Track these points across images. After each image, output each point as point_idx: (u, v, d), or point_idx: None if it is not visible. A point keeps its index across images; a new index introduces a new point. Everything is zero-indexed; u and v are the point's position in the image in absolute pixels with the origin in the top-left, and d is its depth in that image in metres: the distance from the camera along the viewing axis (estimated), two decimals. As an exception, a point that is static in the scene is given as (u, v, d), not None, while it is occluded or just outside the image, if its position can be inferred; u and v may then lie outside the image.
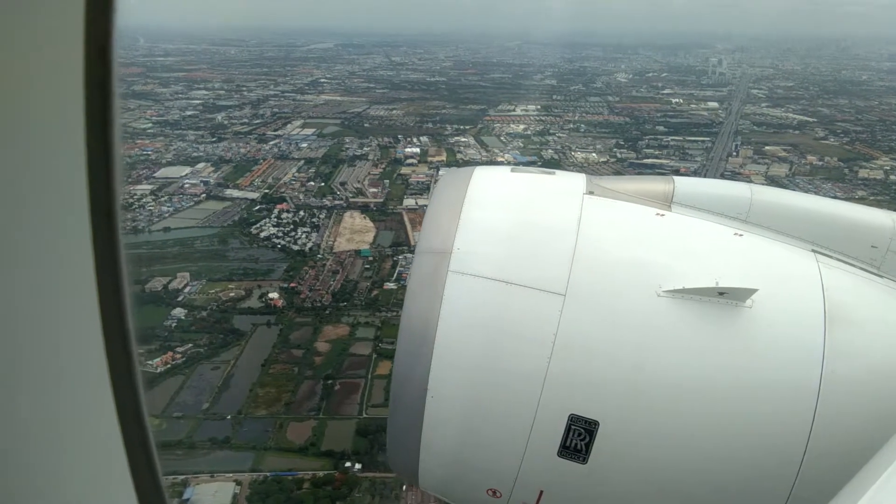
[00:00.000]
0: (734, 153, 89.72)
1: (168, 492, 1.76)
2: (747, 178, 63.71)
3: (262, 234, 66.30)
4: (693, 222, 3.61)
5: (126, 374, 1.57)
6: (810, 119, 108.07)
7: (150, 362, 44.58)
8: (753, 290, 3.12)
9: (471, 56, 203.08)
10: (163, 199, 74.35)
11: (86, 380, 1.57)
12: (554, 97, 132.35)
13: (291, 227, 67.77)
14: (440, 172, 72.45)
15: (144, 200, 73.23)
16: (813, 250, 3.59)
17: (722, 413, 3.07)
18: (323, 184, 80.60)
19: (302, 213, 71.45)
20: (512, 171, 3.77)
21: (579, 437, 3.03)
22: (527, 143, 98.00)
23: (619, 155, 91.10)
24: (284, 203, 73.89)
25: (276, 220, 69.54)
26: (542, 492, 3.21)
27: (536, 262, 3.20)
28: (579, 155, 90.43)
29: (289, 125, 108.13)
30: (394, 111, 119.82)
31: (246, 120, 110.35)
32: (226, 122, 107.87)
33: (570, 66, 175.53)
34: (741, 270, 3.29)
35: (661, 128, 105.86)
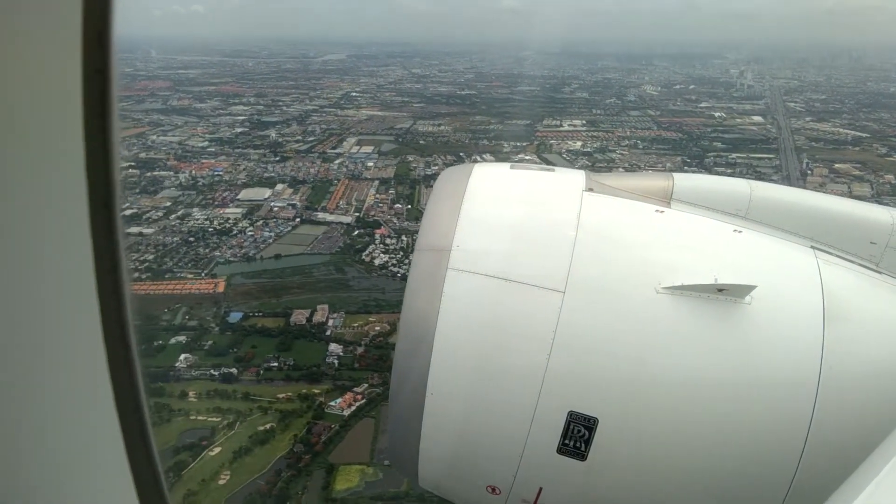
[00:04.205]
0: (809, 171, 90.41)
1: (168, 489, 1.74)
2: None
3: (376, 262, 65.30)
4: (692, 219, 3.57)
5: (125, 370, 1.53)
6: (862, 134, 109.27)
7: (332, 403, 43.76)
8: (752, 287, 3.09)
9: (489, 67, 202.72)
10: (258, 223, 73.02)
11: (85, 376, 1.53)
12: (594, 111, 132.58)
13: (401, 253, 66.75)
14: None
15: (242, 225, 71.90)
16: (812, 247, 3.58)
17: (721, 409, 3.07)
18: (409, 206, 79.69)
19: (404, 238, 70.49)
20: (511, 167, 3.75)
21: (578, 434, 3.01)
22: (592, 160, 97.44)
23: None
24: (382, 228, 72.93)
25: (382, 246, 68.53)
26: (541, 489, 3.18)
27: (536, 258, 3.19)
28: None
29: (344, 143, 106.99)
30: (441, 127, 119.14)
31: (299, 137, 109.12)
32: (280, 140, 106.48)
33: (593, 78, 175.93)
34: (740, 267, 3.29)
35: (718, 144, 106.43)
